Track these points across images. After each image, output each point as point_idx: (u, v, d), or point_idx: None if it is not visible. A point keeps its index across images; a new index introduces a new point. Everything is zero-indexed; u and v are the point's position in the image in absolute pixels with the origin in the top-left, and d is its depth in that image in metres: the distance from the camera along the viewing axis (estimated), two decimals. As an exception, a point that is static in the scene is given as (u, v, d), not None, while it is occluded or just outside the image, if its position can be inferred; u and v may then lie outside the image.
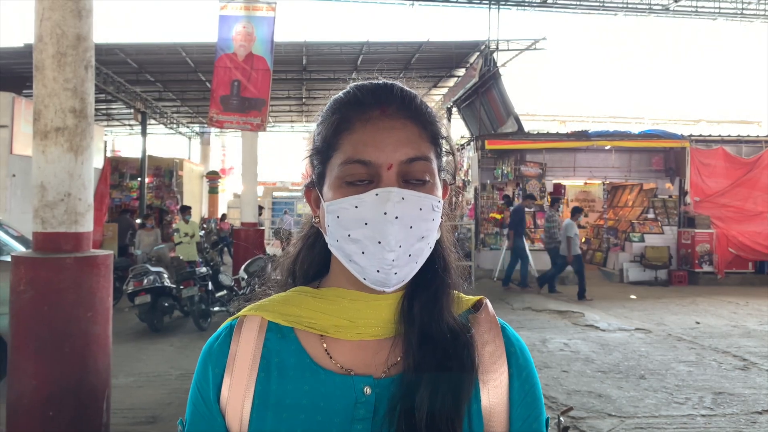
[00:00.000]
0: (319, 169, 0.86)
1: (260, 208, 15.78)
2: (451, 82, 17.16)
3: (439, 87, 17.89)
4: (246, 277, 8.14)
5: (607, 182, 14.67)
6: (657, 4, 14.78)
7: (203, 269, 8.65)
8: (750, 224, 12.69)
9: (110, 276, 3.74)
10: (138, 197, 17.23)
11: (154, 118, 20.19)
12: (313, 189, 0.88)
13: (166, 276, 8.14)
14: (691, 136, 13.56)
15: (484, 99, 14.95)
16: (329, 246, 0.84)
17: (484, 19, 13.81)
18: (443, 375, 0.79)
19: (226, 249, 16.72)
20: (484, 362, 0.83)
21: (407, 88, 0.85)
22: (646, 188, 14.35)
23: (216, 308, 8.35)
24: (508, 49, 14.46)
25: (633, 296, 10.97)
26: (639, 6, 14.84)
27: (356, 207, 0.79)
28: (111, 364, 3.76)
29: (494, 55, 14.11)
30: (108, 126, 23.21)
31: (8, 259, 3.99)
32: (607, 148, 13.59)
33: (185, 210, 11.05)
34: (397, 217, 0.78)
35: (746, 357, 6.47)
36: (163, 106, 20.03)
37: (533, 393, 0.86)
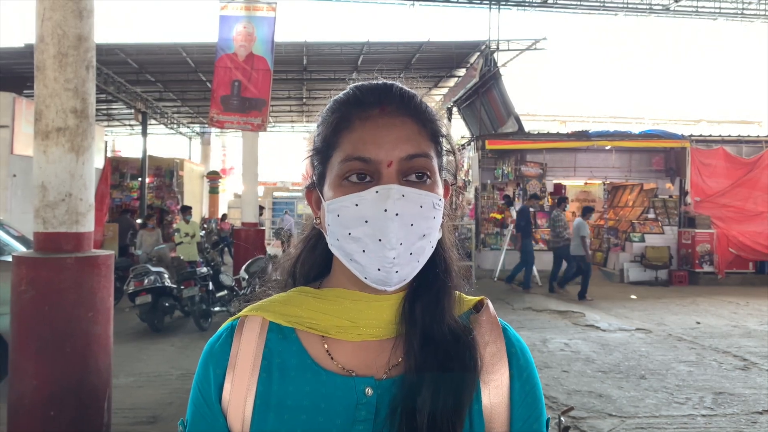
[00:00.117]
0: (319, 169, 0.86)
1: (261, 208, 15.79)
2: (452, 82, 17.17)
3: (440, 87, 17.89)
4: (247, 277, 8.15)
5: (608, 182, 14.68)
6: (657, 4, 14.78)
7: (204, 269, 8.65)
8: (750, 224, 12.69)
9: (111, 276, 3.74)
10: (138, 197, 17.24)
11: (155, 119, 20.20)
12: (314, 190, 0.88)
13: (166, 276, 8.14)
14: (691, 136, 13.57)
15: (484, 99, 14.95)
16: (330, 246, 0.84)
17: (485, 19, 13.83)
18: (445, 376, 0.79)
19: (226, 249, 16.71)
20: (485, 362, 0.83)
21: (406, 88, 0.85)
22: (647, 188, 14.35)
23: (217, 308, 8.35)
24: (508, 49, 14.46)
25: (633, 296, 10.97)
26: (639, 6, 14.84)
27: (356, 205, 0.79)
28: (112, 364, 3.76)
29: (494, 55, 14.11)
30: (108, 126, 23.23)
31: (9, 259, 3.99)
32: (607, 148, 13.60)
33: (186, 210, 11.05)
34: (397, 214, 0.77)
35: (747, 357, 6.47)
36: (163, 107, 20.04)
37: (534, 393, 0.86)
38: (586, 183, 15.58)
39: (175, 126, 23.03)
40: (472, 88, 15.06)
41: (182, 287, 7.99)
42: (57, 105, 3.53)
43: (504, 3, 13.96)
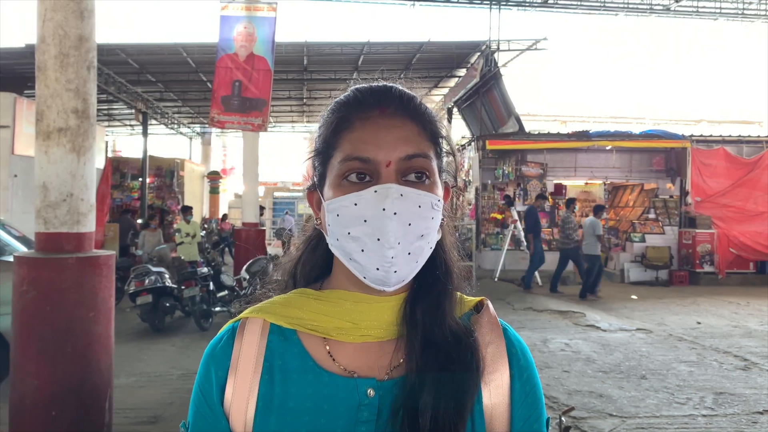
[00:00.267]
0: (320, 170, 0.86)
1: (261, 208, 15.80)
2: (452, 82, 17.17)
3: (440, 87, 17.89)
4: (248, 277, 8.16)
5: (608, 182, 14.67)
6: (658, 4, 14.78)
7: (204, 269, 8.66)
8: (751, 224, 12.68)
9: (112, 276, 3.74)
10: (139, 197, 17.24)
11: (155, 119, 20.20)
12: (315, 191, 0.88)
13: (167, 276, 8.15)
14: (692, 136, 13.55)
15: (484, 99, 14.95)
16: (330, 246, 0.84)
17: (485, 19, 13.83)
18: (447, 377, 0.80)
19: (227, 249, 16.72)
20: (486, 363, 0.84)
21: (406, 90, 0.86)
22: (647, 188, 14.35)
23: (217, 308, 8.36)
24: (508, 50, 14.45)
25: (634, 296, 10.96)
26: (640, 6, 14.83)
27: (355, 204, 0.79)
28: (113, 364, 3.77)
29: (495, 55, 14.10)
30: (109, 126, 23.24)
31: (10, 259, 4.00)
32: (608, 148, 13.59)
33: (186, 210, 11.06)
34: (395, 213, 0.78)
35: (747, 357, 6.47)
36: (164, 107, 20.04)
37: (534, 393, 0.86)
38: (586, 183, 15.56)
39: (175, 126, 23.04)
40: (473, 88, 15.05)
41: (183, 287, 7.99)
42: (58, 105, 3.53)
43: (504, 3, 13.96)
